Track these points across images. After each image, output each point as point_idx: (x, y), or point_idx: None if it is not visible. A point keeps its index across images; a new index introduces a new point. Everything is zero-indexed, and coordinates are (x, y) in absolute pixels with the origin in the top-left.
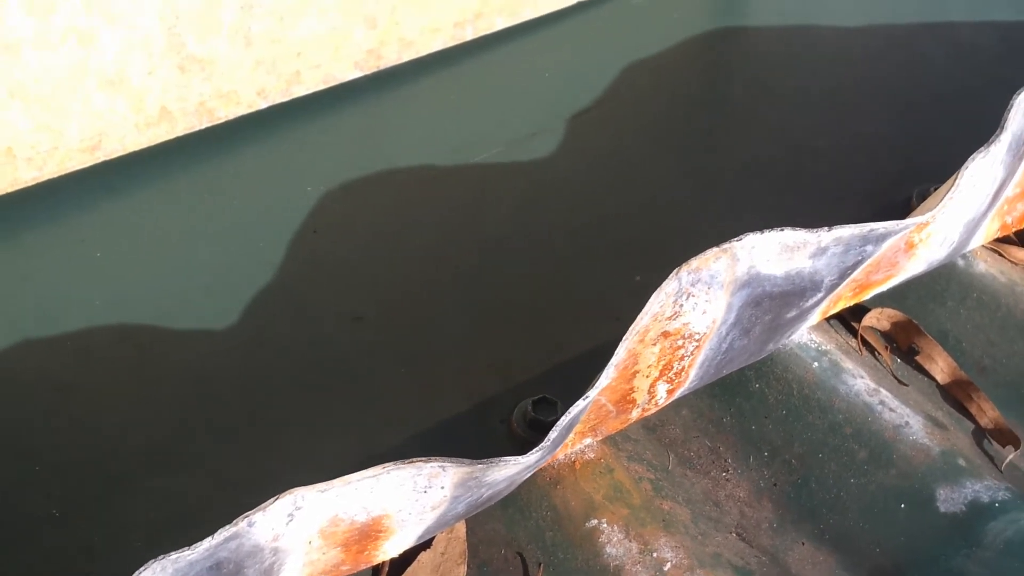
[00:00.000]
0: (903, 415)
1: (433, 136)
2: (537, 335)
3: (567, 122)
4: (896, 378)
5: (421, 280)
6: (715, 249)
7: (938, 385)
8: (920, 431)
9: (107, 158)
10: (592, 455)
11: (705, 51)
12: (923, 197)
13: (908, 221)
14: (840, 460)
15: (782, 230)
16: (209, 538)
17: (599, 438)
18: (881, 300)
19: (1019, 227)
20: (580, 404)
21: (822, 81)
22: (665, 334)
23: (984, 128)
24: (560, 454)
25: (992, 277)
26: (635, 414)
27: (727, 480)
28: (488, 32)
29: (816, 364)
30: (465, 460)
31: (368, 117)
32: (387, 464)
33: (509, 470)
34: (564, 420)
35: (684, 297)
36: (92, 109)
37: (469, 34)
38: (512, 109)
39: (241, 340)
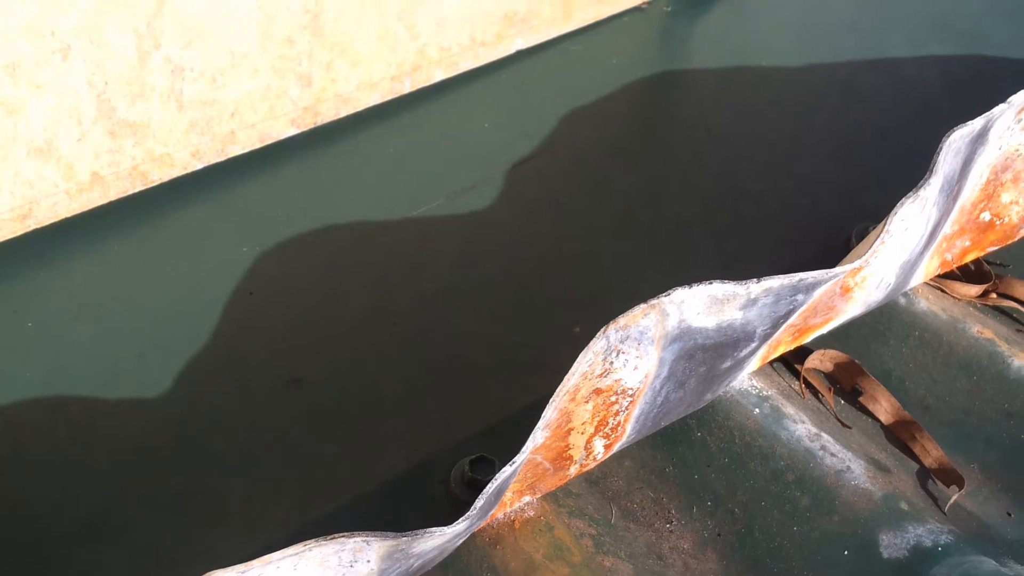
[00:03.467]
0: (845, 460)
1: (372, 191)
2: (478, 392)
3: (507, 173)
4: (839, 420)
5: (359, 339)
6: (643, 305)
7: (882, 426)
8: (862, 475)
9: (38, 226)
10: (532, 512)
11: (644, 97)
12: (861, 236)
13: (838, 270)
14: (783, 508)
15: (711, 283)
16: None
17: (538, 495)
18: (824, 341)
19: (959, 263)
20: (507, 471)
21: (763, 124)
22: (597, 391)
23: (925, 165)
24: (499, 513)
25: (934, 315)
26: (573, 470)
27: (671, 532)
28: (426, 84)
29: (757, 410)
30: (389, 533)
31: (305, 174)
32: (309, 541)
33: (436, 540)
34: (491, 488)
35: (614, 354)
36: (22, 178)
37: (407, 87)
38: (451, 161)
39: (176, 408)
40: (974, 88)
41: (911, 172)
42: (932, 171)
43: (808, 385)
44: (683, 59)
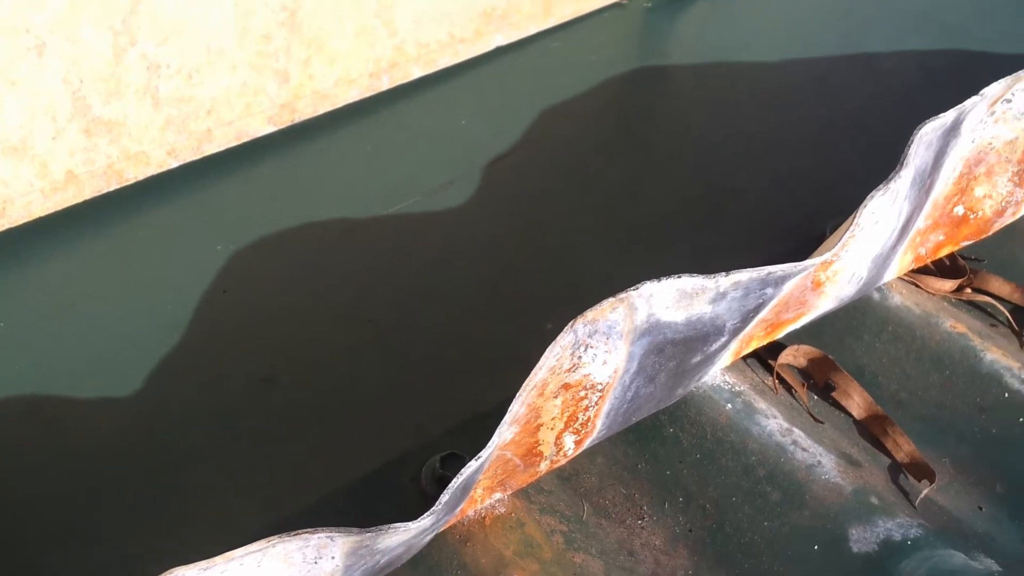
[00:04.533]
0: (816, 454)
1: (348, 188)
2: (451, 389)
3: (484, 169)
4: (812, 416)
5: (334, 337)
6: (611, 299)
7: (855, 420)
8: (833, 470)
9: (11, 225)
10: (503, 509)
11: (623, 93)
12: (837, 229)
13: (806, 263)
14: (754, 503)
15: (679, 277)
16: None
17: (509, 492)
18: (798, 336)
19: (933, 258)
20: (472, 466)
21: (741, 119)
22: (566, 386)
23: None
24: (469, 509)
25: (907, 310)
26: (544, 467)
27: (642, 528)
28: (405, 81)
29: (729, 406)
30: (354, 529)
31: (282, 171)
32: (272, 537)
33: (401, 536)
34: (456, 483)
35: (582, 348)
36: None
37: (385, 84)
38: (429, 158)
39: (149, 407)
40: (953, 83)
41: (888, 167)
42: (903, 163)
43: (781, 380)
44: (662, 55)
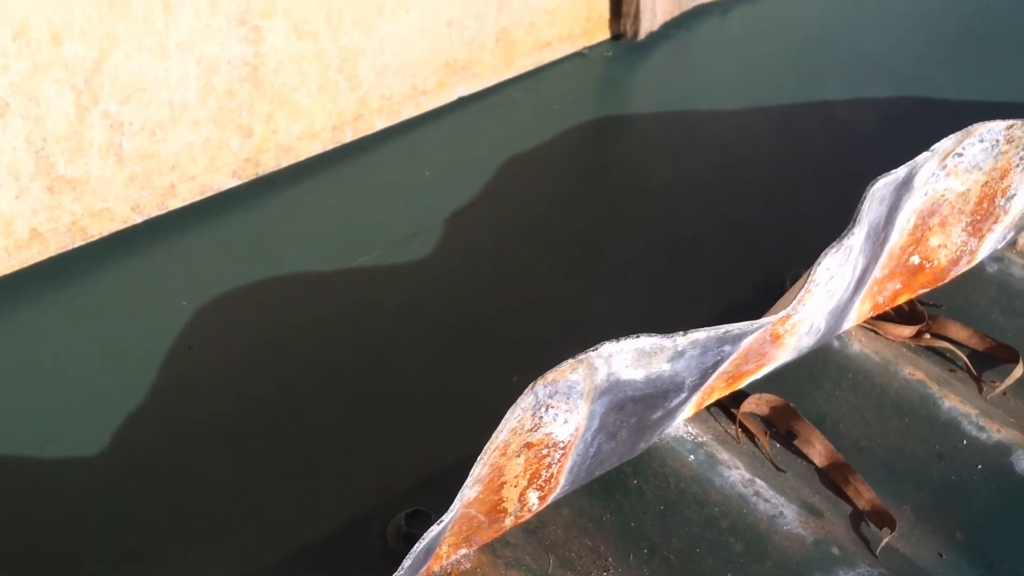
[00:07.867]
0: (778, 505)
1: (313, 241)
2: (416, 443)
3: (447, 221)
4: (775, 464)
5: (300, 391)
6: (571, 360)
7: (816, 468)
8: (794, 520)
9: None
10: (468, 565)
11: (584, 142)
12: (795, 280)
13: (763, 321)
14: (717, 555)
15: (638, 337)
16: None
17: (475, 547)
18: (760, 384)
19: (891, 306)
20: (434, 530)
21: (701, 167)
22: (528, 445)
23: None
24: (435, 566)
25: (867, 357)
26: (508, 522)
27: None
28: (368, 133)
29: (692, 457)
30: None
31: (246, 225)
32: None
33: None
34: (418, 547)
35: (543, 409)
36: None
37: (348, 136)
38: (392, 210)
39: (114, 465)
40: (910, 128)
41: (847, 213)
42: (855, 220)
43: (744, 429)
44: (623, 104)
